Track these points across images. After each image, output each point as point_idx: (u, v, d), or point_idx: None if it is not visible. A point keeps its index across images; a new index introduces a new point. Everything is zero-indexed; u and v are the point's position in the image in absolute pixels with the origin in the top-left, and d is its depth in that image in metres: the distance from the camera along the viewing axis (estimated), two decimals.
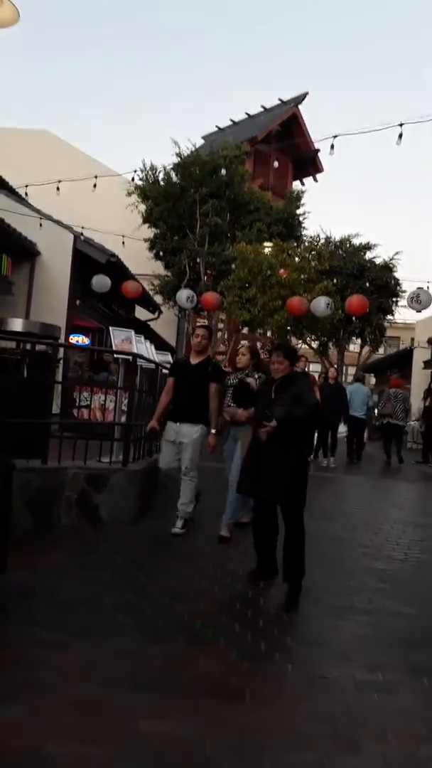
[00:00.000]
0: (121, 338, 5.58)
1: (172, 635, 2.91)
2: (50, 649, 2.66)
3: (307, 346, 18.85)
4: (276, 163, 15.84)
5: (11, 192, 12.13)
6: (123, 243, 12.77)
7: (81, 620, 2.99)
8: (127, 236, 13.01)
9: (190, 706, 2.31)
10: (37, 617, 2.97)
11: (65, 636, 2.79)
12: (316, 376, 12.72)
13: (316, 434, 10.37)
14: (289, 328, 14.01)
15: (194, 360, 4.86)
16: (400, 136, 6.80)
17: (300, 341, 17.87)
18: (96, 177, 9.78)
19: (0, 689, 2.30)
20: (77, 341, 13.71)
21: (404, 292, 17.35)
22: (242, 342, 19.14)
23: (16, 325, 6.71)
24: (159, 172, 16.35)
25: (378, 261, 17.10)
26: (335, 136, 7.06)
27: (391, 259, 17.10)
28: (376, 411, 14.86)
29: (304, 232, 17.74)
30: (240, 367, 4.81)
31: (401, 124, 6.77)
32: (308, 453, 6.73)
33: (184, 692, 2.41)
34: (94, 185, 9.66)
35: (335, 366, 11.71)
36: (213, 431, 4.64)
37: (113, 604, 3.23)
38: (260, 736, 2.15)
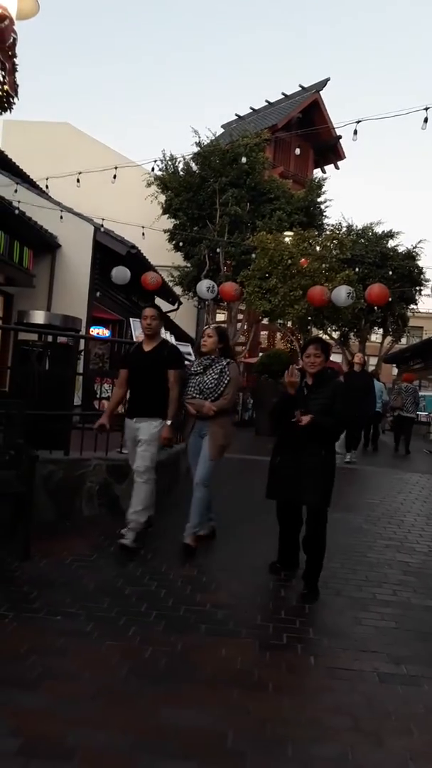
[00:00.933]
0: (139, 330, 5.57)
1: (194, 625, 2.92)
2: (73, 638, 2.69)
3: (327, 337, 18.67)
4: (297, 151, 15.60)
5: (32, 185, 12.20)
6: (143, 234, 12.76)
7: (103, 610, 3.01)
8: (147, 227, 12.99)
9: (212, 696, 2.32)
10: (60, 607, 3.00)
11: (88, 625, 2.82)
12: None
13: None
14: (309, 318, 13.88)
15: (147, 346, 4.22)
16: (425, 120, 6.63)
17: (321, 332, 17.72)
18: (116, 168, 9.76)
19: (24, 678, 2.33)
20: (98, 333, 13.78)
21: (428, 281, 17.10)
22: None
23: (38, 317, 6.77)
24: (179, 162, 16.29)
25: (401, 249, 16.86)
26: (358, 122, 6.92)
27: (414, 248, 16.86)
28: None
29: (325, 221, 17.54)
30: (205, 352, 4.16)
31: (426, 108, 6.60)
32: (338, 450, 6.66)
33: (207, 682, 2.42)
34: (114, 176, 9.65)
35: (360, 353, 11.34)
36: (168, 422, 4.08)
37: (135, 594, 3.24)
38: (283, 727, 2.15)
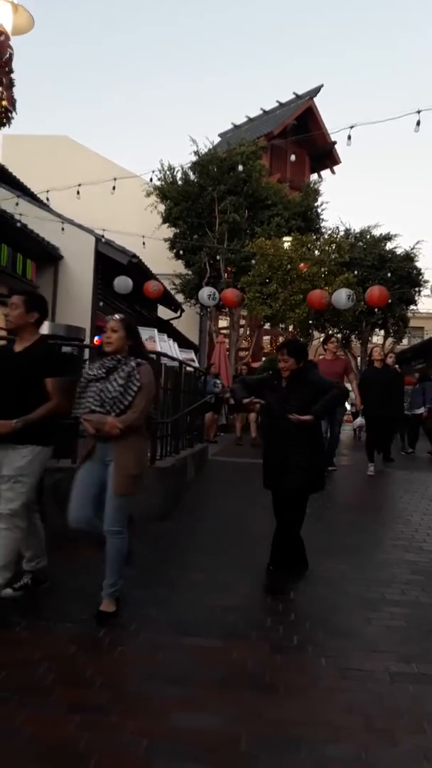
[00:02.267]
0: (144, 337, 5.60)
1: (205, 629, 2.93)
2: (84, 644, 2.70)
3: None
4: (293, 157, 15.74)
5: (33, 198, 12.30)
6: (143, 244, 12.85)
7: (114, 615, 3.02)
8: (148, 237, 13.08)
9: (224, 699, 2.32)
10: (71, 613, 3.02)
11: (99, 632, 2.83)
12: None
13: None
14: (310, 322, 13.92)
15: (19, 346, 3.30)
16: (418, 123, 6.69)
17: (322, 335, 17.74)
18: (115, 179, 9.85)
19: (38, 685, 2.34)
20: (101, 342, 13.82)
21: (427, 281, 17.12)
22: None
23: (42, 327, 6.79)
24: (177, 172, 16.41)
25: (399, 251, 16.89)
26: (352, 127, 6.97)
27: (412, 249, 16.88)
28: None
29: (323, 225, 17.62)
30: (109, 351, 3.17)
31: (419, 111, 6.65)
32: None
33: (219, 686, 2.43)
34: (114, 188, 9.74)
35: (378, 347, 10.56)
36: (15, 423, 3.04)
37: (145, 599, 3.26)
38: (295, 729, 2.15)
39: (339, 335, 17.19)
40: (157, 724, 2.13)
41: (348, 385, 7.30)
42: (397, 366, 10.27)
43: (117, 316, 3.27)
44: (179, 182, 16.36)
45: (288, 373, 3.74)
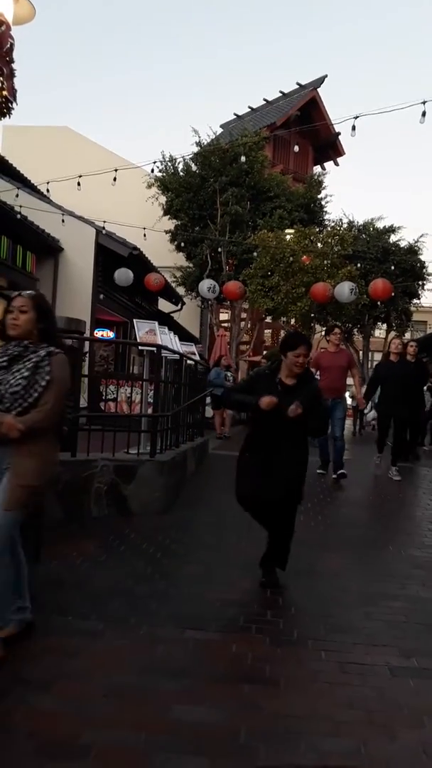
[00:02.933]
0: (145, 330, 5.60)
1: (205, 623, 2.93)
2: (84, 638, 2.70)
3: None
4: (296, 148, 15.65)
5: (33, 189, 12.25)
6: (144, 236, 12.80)
7: (114, 609, 3.03)
8: (149, 229, 13.03)
9: (224, 692, 2.32)
10: (71, 607, 3.02)
11: (99, 625, 2.83)
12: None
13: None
14: (313, 315, 13.88)
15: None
16: (423, 114, 6.63)
17: (324, 328, 17.71)
18: (116, 170, 9.80)
19: (36, 679, 2.34)
20: (102, 335, 13.82)
21: (430, 275, 17.05)
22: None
23: None
24: (178, 163, 16.33)
25: (403, 244, 16.83)
26: (356, 117, 6.92)
27: (416, 242, 16.82)
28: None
29: (326, 217, 17.54)
30: (15, 336, 2.62)
31: (424, 102, 6.60)
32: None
33: (219, 679, 2.42)
34: (114, 179, 9.69)
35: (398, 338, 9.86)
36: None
37: (145, 593, 3.26)
38: (295, 722, 2.15)
39: (338, 329, 17.16)
40: (157, 718, 2.13)
41: (349, 380, 7.04)
42: (422, 358, 9.43)
43: (26, 293, 2.71)
44: (181, 173, 16.28)
45: (298, 372, 3.38)
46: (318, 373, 6.53)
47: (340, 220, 17.17)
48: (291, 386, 3.35)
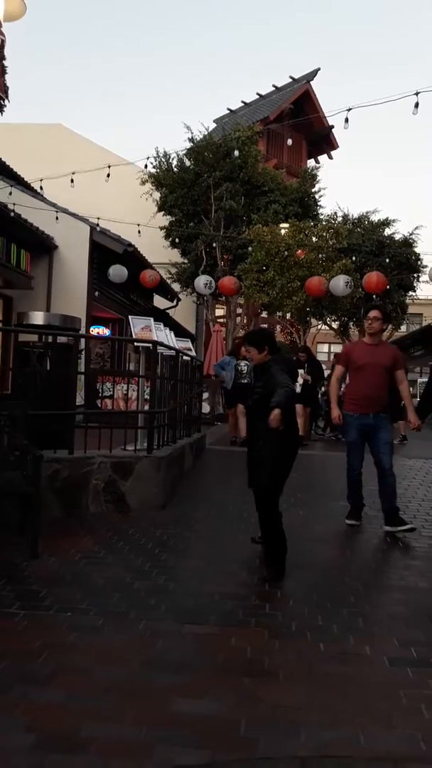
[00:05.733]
0: (140, 326, 5.59)
1: (204, 617, 2.94)
2: (84, 633, 2.71)
3: (327, 327, 18.66)
4: (289, 142, 15.62)
5: (26, 187, 12.19)
6: (139, 232, 12.76)
7: (113, 604, 3.04)
8: (143, 225, 12.99)
9: (224, 685, 2.33)
10: (70, 603, 3.02)
11: (98, 620, 2.84)
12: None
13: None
14: (308, 309, 13.88)
15: None
16: (416, 105, 6.63)
17: (320, 322, 17.70)
18: (109, 167, 9.76)
19: (36, 673, 2.35)
20: (97, 333, 13.80)
21: (425, 267, 17.05)
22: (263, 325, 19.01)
23: (38, 318, 6.78)
24: (172, 159, 16.26)
25: (397, 237, 16.82)
26: (349, 109, 6.92)
27: (410, 235, 16.81)
28: None
29: (320, 211, 17.52)
30: None
31: (417, 93, 6.59)
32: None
33: (218, 672, 2.44)
34: (108, 175, 9.65)
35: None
36: None
37: (144, 588, 3.27)
38: (295, 713, 2.16)
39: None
40: (157, 711, 2.14)
41: (402, 385, 4.70)
42: None
43: None
44: (174, 169, 16.22)
45: (255, 364, 3.75)
46: (347, 375, 4.93)
47: (335, 213, 17.17)
48: (255, 375, 3.78)
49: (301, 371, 9.20)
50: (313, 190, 17.35)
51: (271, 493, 3.54)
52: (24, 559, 3.62)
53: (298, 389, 8.71)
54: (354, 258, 14.66)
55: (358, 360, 4.68)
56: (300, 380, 9.08)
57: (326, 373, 11.95)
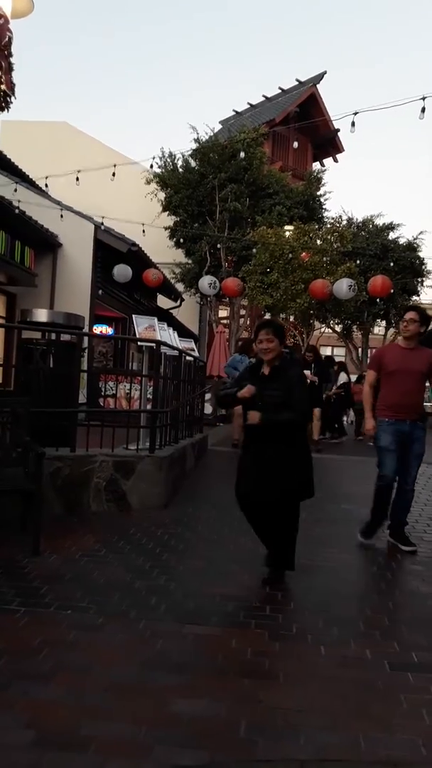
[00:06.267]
0: (144, 326, 5.59)
1: (205, 618, 2.93)
2: (84, 631, 2.70)
3: (330, 330, 18.66)
4: (295, 145, 15.63)
5: (31, 184, 12.21)
6: (143, 232, 12.77)
7: (113, 603, 3.03)
8: (147, 225, 13.00)
9: (223, 686, 2.33)
10: (71, 601, 3.02)
11: (98, 619, 2.83)
12: (344, 359, 12.33)
13: None
14: (312, 311, 13.88)
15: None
16: (423, 110, 6.63)
17: (323, 325, 17.70)
18: (115, 166, 9.77)
19: (36, 671, 2.34)
20: (101, 331, 13.81)
21: (429, 272, 17.06)
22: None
23: (41, 315, 6.80)
24: (177, 159, 16.28)
25: (402, 241, 16.84)
26: (355, 113, 6.92)
27: (415, 239, 16.83)
28: None
29: (325, 214, 17.52)
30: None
31: (423, 98, 6.59)
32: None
33: (218, 673, 2.43)
34: (113, 174, 9.66)
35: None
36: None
37: (145, 587, 3.26)
38: (294, 716, 2.16)
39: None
40: (156, 711, 2.13)
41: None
42: None
43: None
44: (180, 170, 16.24)
45: (271, 357, 3.27)
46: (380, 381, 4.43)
47: (340, 216, 17.18)
48: (268, 376, 3.26)
49: (307, 372, 8.96)
50: (318, 193, 17.36)
51: (310, 495, 3.39)
52: (25, 557, 3.61)
53: None
54: (358, 261, 14.66)
55: (390, 365, 4.30)
56: (307, 381, 9.00)
57: (343, 377, 11.74)
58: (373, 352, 4.64)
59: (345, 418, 13.27)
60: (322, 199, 17.47)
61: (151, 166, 11.89)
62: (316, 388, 9.24)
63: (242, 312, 17.65)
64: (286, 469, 3.28)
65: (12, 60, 5.10)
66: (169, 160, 16.26)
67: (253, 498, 3.37)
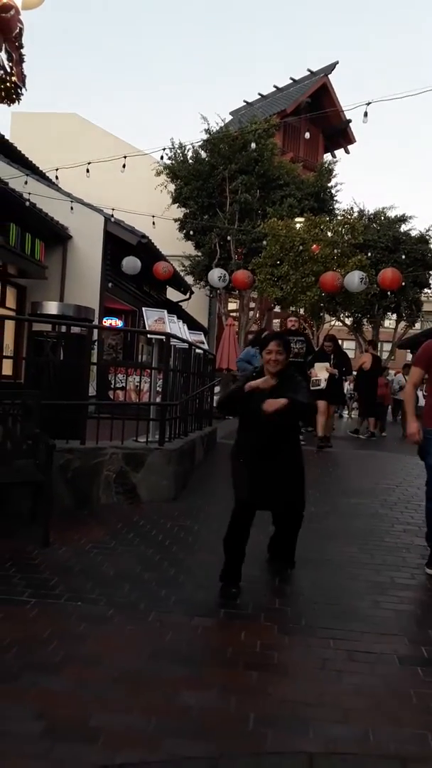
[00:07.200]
0: (154, 318, 5.58)
1: (214, 610, 2.94)
2: (94, 623, 2.72)
3: (340, 323, 18.55)
4: (307, 136, 15.49)
5: (42, 176, 12.21)
6: (153, 224, 12.73)
7: (123, 595, 3.04)
8: (157, 217, 12.96)
9: (232, 679, 2.33)
10: (81, 593, 3.04)
11: (108, 610, 2.85)
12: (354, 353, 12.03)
13: None
14: (322, 304, 13.80)
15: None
16: None
17: (333, 318, 17.60)
18: (125, 158, 9.73)
19: (47, 663, 2.36)
20: (110, 324, 13.82)
21: None
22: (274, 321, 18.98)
23: (51, 308, 6.81)
24: (188, 150, 16.20)
25: (414, 233, 16.63)
26: (368, 104, 6.83)
27: (427, 231, 16.61)
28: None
29: (336, 206, 17.38)
30: None
31: None
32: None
33: (227, 665, 2.44)
34: (123, 166, 9.62)
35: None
36: None
37: (154, 579, 3.27)
38: (303, 709, 2.16)
39: (348, 319, 16.98)
40: (166, 703, 2.14)
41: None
42: None
43: None
44: (190, 161, 16.16)
45: (278, 369, 3.23)
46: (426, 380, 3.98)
47: (351, 208, 16.98)
48: (274, 386, 3.19)
49: (326, 365, 8.20)
50: (329, 184, 17.21)
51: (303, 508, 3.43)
52: (35, 548, 3.64)
53: (323, 385, 8.04)
54: (369, 254, 14.53)
55: None
56: (325, 374, 8.09)
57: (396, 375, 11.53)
58: (423, 346, 3.92)
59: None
60: (333, 191, 17.33)
61: (162, 158, 11.85)
62: (336, 382, 8.25)
63: (252, 305, 17.59)
64: (287, 479, 3.28)
65: (22, 51, 5.07)
66: (179, 151, 16.19)
67: (259, 507, 3.30)
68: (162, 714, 2.07)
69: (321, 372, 8.11)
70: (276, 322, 21.46)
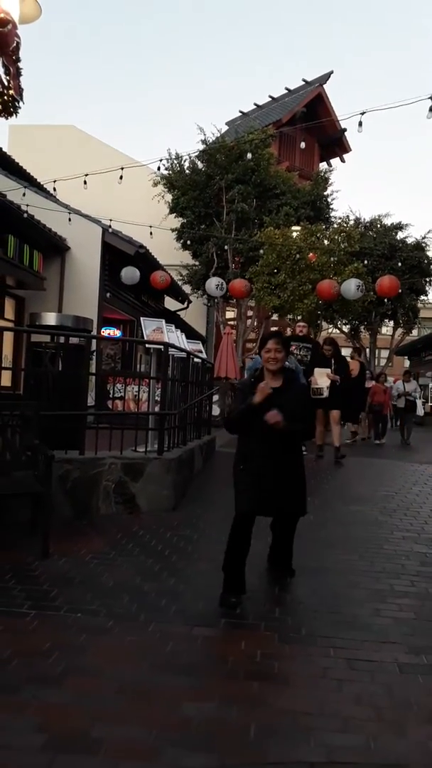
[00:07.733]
0: (152, 328, 5.61)
1: (214, 619, 2.94)
2: (94, 634, 2.72)
3: (338, 330, 18.61)
4: (302, 145, 15.62)
5: (39, 188, 12.28)
6: (150, 234, 12.80)
7: (123, 606, 3.04)
8: (155, 227, 13.03)
9: (233, 689, 2.33)
10: (81, 604, 3.03)
11: (108, 621, 2.85)
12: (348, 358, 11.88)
13: None
14: (319, 312, 13.84)
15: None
16: (431, 109, 6.60)
17: (331, 325, 17.66)
18: (122, 169, 9.80)
19: (47, 674, 2.36)
20: (109, 334, 13.86)
21: None
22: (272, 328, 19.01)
23: (50, 319, 6.82)
24: (184, 161, 16.30)
25: (410, 241, 16.77)
26: (363, 113, 6.89)
27: (423, 239, 16.76)
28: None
29: (332, 214, 17.48)
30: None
31: (431, 97, 6.56)
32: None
33: (228, 675, 2.43)
34: (120, 177, 9.69)
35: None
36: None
37: (154, 590, 3.27)
38: (304, 719, 2.16)
39: (346, 327, 17.02)
40: (167, 713, 2.14)
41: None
42: None
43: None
44: (187, 171, 16.26)
45: (277, 366, 3.24)
46: None
47: (347, 216, 17.13)
48: (276, 388, 3.20)
49: (327, 371, 7.83)
50: (325, 193, 17.32)
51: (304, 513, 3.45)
52: (35, 559, 3.64)
53: (326, 393, 7.76)
54: (366, 261, 14.62)
55: None
56: (327, 381, 7.80)
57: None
58: None
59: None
60: (329, 199, 17.43)
61: (159, 168, 11.92)
62: (337, 389, 7.88)
63: (249, 313, 17.63)
64: (289, 483, 3.28)
65: (19, 65, 5.13)
66: (176, 161, 16.29)
67: (260, 512, 3.30)
68: (163, 725, 2.07)
69: (321, 379, 7.85)
70: (274, 330, 21.52)
